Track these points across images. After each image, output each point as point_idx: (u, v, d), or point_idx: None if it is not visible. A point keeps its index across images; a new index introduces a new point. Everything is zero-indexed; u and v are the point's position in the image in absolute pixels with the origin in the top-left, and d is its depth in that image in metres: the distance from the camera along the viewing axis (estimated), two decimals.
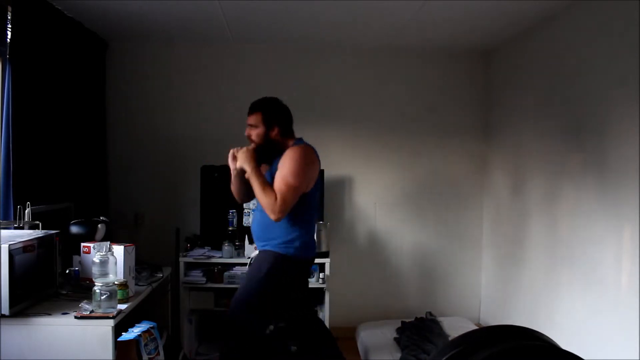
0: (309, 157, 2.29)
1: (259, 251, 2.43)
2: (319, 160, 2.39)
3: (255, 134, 2.36)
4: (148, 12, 3.13)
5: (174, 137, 3.84)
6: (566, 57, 2.94)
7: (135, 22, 3.33)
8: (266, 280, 2.31)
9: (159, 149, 3.84)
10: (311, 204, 2.39)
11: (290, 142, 2.39)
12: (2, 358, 1.99)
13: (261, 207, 2.28)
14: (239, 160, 2.29)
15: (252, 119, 2.36)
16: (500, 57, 3.86)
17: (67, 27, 3.14)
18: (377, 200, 4.02)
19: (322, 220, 3.48)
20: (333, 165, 3.85)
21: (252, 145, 2.35)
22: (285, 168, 2.23)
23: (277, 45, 3.88)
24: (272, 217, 2.20)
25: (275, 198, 2.18)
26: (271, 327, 2.48)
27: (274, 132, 2.35)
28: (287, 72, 3.90)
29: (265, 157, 2.37)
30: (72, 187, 3.14)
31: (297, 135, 2.48)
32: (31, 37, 2.69)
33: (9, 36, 2.52)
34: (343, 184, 3.99)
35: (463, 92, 4.05)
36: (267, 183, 2.25)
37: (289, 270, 2.37)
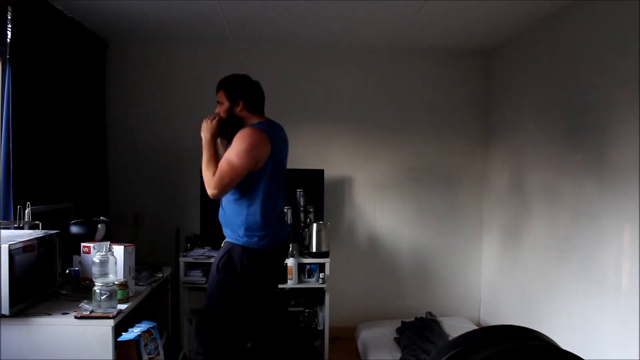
0: (255, 139, 2.22)
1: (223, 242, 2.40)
2: (274, 141, 2.29)
3: (222, 110, 2.37)
4: (148, 12, 3.13)
5: (174, 137, 3.84)
6: (566, 57, 2.94)
7: (135, 22, 3.33)
8: (223, 287, 2.28)
9: (159, 149, 3.84)
10: (267, 184, 2.27)
11: (255, 120, 2.34)
12: (2, 358, 1.99)
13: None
14: (202, 130, 2.32)
15: (219, 96, 2.38)
16: (500, 57, 3.86)
17: (67, 27, 3.14)
18: (377, 200, 4.02)
19: (322, 220, 3.48)
20: (333, 165, 3.85)
21: (216, 118, 2.36)
22: (231, 148, 2.23)
23: (277, 45, 3.88)
24: (209, 192, 2.20)
25: (214, 174, 2.19)
26: (249, 344, 2.42)
27: (239, 108, 2.33)
28: (287, 72, 3.90)
29: (229, 132, 2.33)
30: (72, 187, 3.14)
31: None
32: (31, 37, 2.69)
33: (9, 36, 2.52)
34: (343, 184, 3.99)
35: (463, 92, 4.05)
36: (214, 158, 2.25)
37: (248, 263, 2.27)
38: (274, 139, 2.29)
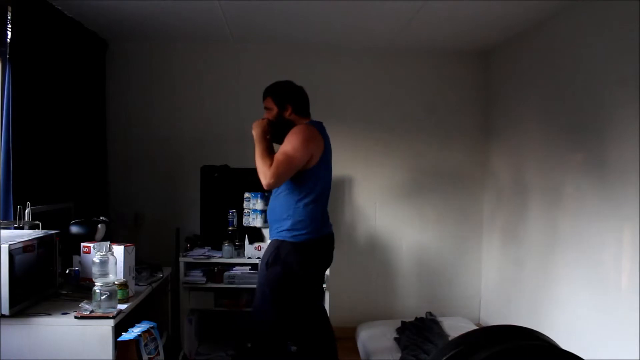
0: (309, 133, 2.33)
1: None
2: (325, 139, 2.42)
3: (271, 115, 2.46)
4: (148, 12, 3.13)
5: (174, 137, 3.84)
6: (566, 57, 2.94)
7: (135, 22, 3.33)
8: (273, 282, 2.34)
9: (159, 149, 3.84)
10: (316, 181, 2.38)
11: (304, 122, 2.45)
12: (2, 358, 1.99)
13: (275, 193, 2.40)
14: (253, 129, 2.38)
15: (266, 103, 2.48)
16: (500, 57, 3.86)
17: (67, 27, 3.14)
18: (377, 200, 4.02)
19: None
20: (333, 165, 3.83)
21: (267, 118, 2.46)
22: (286, 141, 2.30)
23: (277, 45, 3.88)
24: (264, 182, 2.24)
25: (271, 164, 2.23)
26: (294, 348, 2.50)
27: (288, 112, 2.44)
28: (287, 72, 3.86)
29: (280, 136, 2.40)
30: (72, 187, 3.14)
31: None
32: (31, 37, 2.69)
33: (9, 36, 2.52)
34: (343, 184, 3.99)
35: (463, 92, 4.06)
36: (268, 151, 2.30)
37: (299, 258, 2.34)
38: (325, 137, 2.42)
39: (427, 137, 4.02)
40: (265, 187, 2.25)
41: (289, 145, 2.27)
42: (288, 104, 2.43)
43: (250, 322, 2.48)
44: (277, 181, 2.24)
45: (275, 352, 2.39)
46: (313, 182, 2.36)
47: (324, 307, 2.81)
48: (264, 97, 2.48)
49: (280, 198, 2.40)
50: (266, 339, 2.40)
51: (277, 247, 2.36)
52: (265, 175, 2.23)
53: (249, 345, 2.45)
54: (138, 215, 3.80)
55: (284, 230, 2.36)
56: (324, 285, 3.31)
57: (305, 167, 2.31)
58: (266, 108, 2.48)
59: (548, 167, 3.14)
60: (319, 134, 2.38)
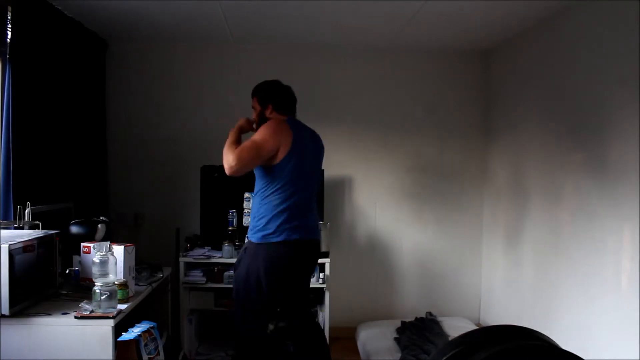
0: (278, 126, 2.36)
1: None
2: (295, 133, 2.38)
3: (255, 115, 2.55)
4: (148, 12, 3.13)
5: (174, 137, 3.84)
6: (566, 57, 2.94)
7: (135, 22, 3.33)
8: (241, 282, 2.39)
9: (159, 149, 3.84)
10: (287, 176, 2.34)
11: (282, 119, 2.47)
12: (2, 358, 1.99)
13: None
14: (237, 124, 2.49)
15: (253, 103, 2.56)
16: (500, 57, 3.86)
17: (67, 27, 3.14)
18: (377, 200, 4.02)
19: (322, 220, 3.48)
20: (333, 165, 3.85)
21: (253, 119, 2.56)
22: (256, 134, 2.36)
23: (277, 45, 3.88)
24: (227, 166, 2.25)
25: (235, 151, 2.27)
26: (271, 327, 2.47)
27: (268, 111, 2.49)
28: (287, 72, 3.87)
29: None
30: (72, 187, 3.14)
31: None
32: (31, 37, 2.69)
33: (9, 36, 2.52)
34: (343, 184, 3.99)
35: (463, 92, 4.06)
36: (237, 142, 2.35)
37: (275, 260, 2.34)
38: (296, 131, 2.39)
39: (427, 137, 4.02)
40: (228, 171, 2.25)
41: (257, 135, 2.32)
42: (269, 102, 2.49)
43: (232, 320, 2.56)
44: (239, 166, 2.22)
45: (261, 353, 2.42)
46: (285, 178, 2.34)
47: (311, 314, 2.77)
48: (252, 97, 2.56)
49: (256, 197, 2.44)
50: (241, 340, 2.45)
51: (246, 246, 2.43)
52: (228, 159, 2.25)
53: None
54: (138, 215, 3.80)
55: (256, 228, 2.37)
56: (324, 286, 3.31)
57: (273, 160, 2.32)
58: (253, 108, 2.56)
59: (548, 167, 3.14)
60: (289, 129, 2.37)
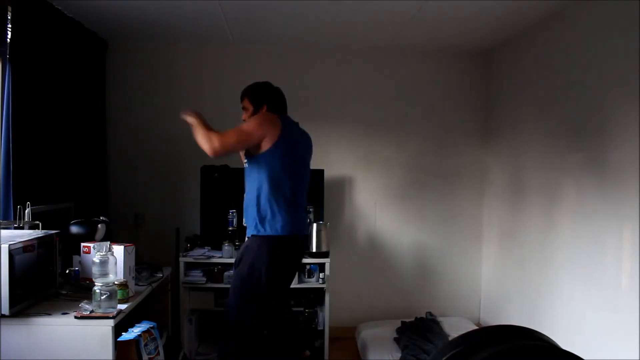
0: (266, 116, 2.43)
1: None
2: (284, 126, 2.42)
3: (247, 115, 2.56)
4: (148, 12, 3.13)
5: (174, 137, 3.84)
6: (566, 57, 2.94)
7: (135, 22, 3.33)
8: (239, 278, 2.42)
9: (159, 149, 3.84)
10: (275, 167, 2.38)
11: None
12: (2, 358, 1.99)
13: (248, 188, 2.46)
14: (188, 119, 2.46)
15: (244, 103, 2.59)
16: (500, 57, 3.86)
17: (67, 27, 3.14)
18: (377, 200, 4.02)
19: (322, 220, 3.48)
20: (333, 165, 3.85)
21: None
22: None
23: (277, 45, 3.88)
24: (209, 147, 2.30)
25: (214, 133, 2.33)
26: (265, 332, 2.51)
27: (262, 111, 2.53)
28: (287, 72, 3.90)
29: None
30: (72, 187, 3.14)
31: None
32: (31, 37, 2.69)
33: (9, 36, 2.52)
34: (343, 184, 3.99)
35: (463, 92, 4.06)
36: (209, 127, 2.39)
37: (273, 252, 2.38)
38: (285, 125, 2.43)
39: (427, 137, 4.02)
40: (210, 152, 2.30)
41: (246, 124, 2.40)
42: (264, 103, 2.53)
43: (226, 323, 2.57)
44: (222, 146, 2.29)
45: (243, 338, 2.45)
46: (273, 168, 2.38)
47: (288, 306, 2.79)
48: (242, 98, 2.59)
49: (249, 191, 2.48)
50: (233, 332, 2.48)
51: (246, 241, 2.49)
52: (209, 139, 2.30)
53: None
54: (138, 215, 3.80)
55: (251, 222, 2.42)
56: (324, 286, 3.31)
57: (259, 149, 2.37)
58: (243, 108, 2.58)
59: (548, 167, 3.14)
60: (276, 119, 2.42)
